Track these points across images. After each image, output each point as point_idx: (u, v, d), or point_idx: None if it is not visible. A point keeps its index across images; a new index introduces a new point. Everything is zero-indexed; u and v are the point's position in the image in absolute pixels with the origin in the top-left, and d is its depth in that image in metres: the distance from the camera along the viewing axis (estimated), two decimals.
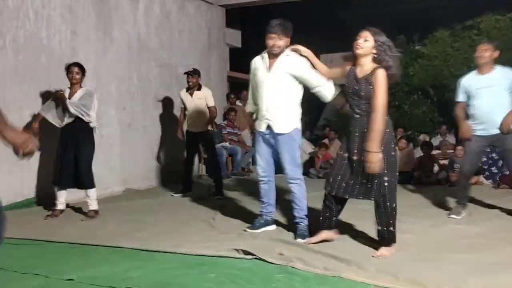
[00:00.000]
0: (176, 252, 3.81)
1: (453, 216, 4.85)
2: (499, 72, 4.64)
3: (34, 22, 6.04)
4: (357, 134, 3.57)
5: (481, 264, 3.37)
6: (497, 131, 4.61)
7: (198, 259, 3.65)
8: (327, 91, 4.11)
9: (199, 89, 6.58)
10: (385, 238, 3.62)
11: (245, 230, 4.36)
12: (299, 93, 4.18)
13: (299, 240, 4.00)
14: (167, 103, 8.04)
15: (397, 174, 3.62)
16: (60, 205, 5.33)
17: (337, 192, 3.67)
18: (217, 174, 6.58)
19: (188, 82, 6.58)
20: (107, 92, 7.02)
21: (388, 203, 3.53)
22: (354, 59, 3.63)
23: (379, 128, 3.41)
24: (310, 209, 5.42)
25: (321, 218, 3.84)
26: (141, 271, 3.42)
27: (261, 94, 4.18)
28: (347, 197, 3.70)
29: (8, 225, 2.34)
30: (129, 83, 7.44)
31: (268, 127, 4.17)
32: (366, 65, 3.55)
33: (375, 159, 3.38)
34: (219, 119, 8.89)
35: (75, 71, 5.27)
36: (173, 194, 6.64)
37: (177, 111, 7.62)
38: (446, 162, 8.04)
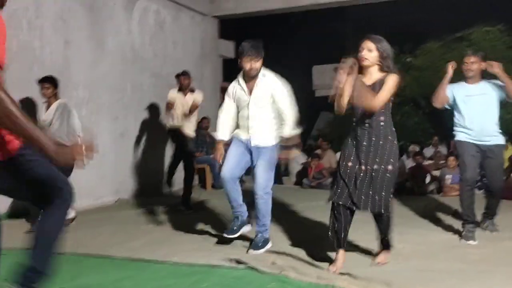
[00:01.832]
0: (168, 262, 3.78)
1: (467, 242, 4.33)
2: (488, 83, 4.58)
3: (27, 32, 6.04)
4: (365, 143, 3.43)
5: (473, 273, 3.39)
6: (490, 141, 4.50)
7: (190, 268, 3.62)
8: (286, 127, 4.07)
9: (192, 91, 6.39)
10: (386, 245, 3.65)
11: (223, 236, 4.24)
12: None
13: (251, 251, 4.01)
14: (160, 113, 8.04)
15: None
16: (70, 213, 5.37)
17: (344, 202, 3.44)
18: (190, 186, 6.28)
19: (180, 83, 6.33)
20: (100, 102, 7.01)
21: (389, 214, 3.48)
22: (360, 69, 3.49)
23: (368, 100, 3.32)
24: (302, 219, 5.41)
25: (330, 234, 3.53)
26: (133, 280, 3.40)
27: (245, 118, 4.15)
28: (354, 208, 3.46)
29: None
30: (122, 93, 7.44)
31: (249, 138, 4.14)
32: (374, 73, 3.48)
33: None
34: (212, 127, 8.89)
35: (45, 86, 5.29)
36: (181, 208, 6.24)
37: None
38: (438, 173, 8.08)
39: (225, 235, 4.24)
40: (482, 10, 11.00)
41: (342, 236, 3.48)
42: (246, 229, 4.28)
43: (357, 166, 3.43)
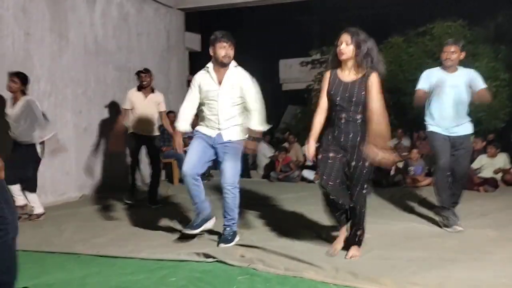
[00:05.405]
0: (135, 257, 3.75)
1: (452, 228, 4.43)
2: (462, 71, 4.60)
3: None
4: (342, 140, 3.49)
5: (436, 261, 3.49)
6: (459, 131, 4.56)
7: (158, 263, 3.61)
8: (256, 118, 4.05)
9: (152, 91, 6.19)
10: (357, 240, 3.68)
11: (183, 232, 4.21)
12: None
13: (222, 244, 4.00)
14: None
15: None
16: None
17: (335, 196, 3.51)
18: (157, 182, 6.22)
19: (142, 81, 6.13)
20: (63, 95, 6.85)
21: (363, 209, 3.60)
22: (338, 63, 3.55)
23: (383, 128, 3.42)
24: (270, 212, 5.44)
25: (331, 216, 3.72)
26: (99, 277, 3.36)
27: (213, 108, 4.07)
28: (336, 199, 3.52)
29: None
30: (85, 86, 7.28)
31: (217, 134, 4.10)
32: (353, 69, 3.50)
33: (388, 157, 3.40)
34: None
35: (12, 79, 5.14)
36: (126, 201, 6.24)
37: None
38: (401, 164, 8.25)
39: (185, 231, 4.16)
40: (444, 6, 11.27)
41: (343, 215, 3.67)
42: (209, 225, 4.17)
43: (331, 155, 3.51)
